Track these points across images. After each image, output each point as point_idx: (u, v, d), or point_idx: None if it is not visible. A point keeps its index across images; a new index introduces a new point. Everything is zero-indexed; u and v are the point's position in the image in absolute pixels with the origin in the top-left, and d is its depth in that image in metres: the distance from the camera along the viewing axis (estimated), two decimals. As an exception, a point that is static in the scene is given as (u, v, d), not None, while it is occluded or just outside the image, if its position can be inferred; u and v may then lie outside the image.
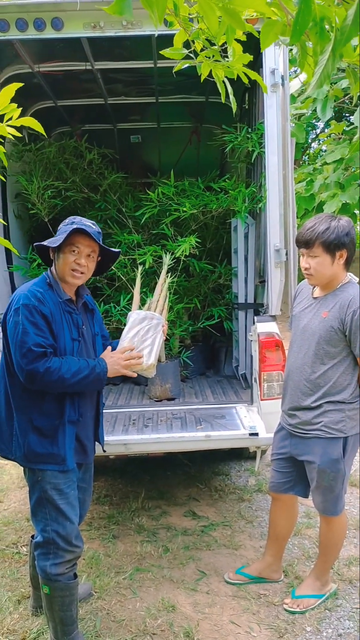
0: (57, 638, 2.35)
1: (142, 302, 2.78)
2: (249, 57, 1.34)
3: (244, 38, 1.28)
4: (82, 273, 2.30)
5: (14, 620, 2.64)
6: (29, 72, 3.96)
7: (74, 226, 2.23)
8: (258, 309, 3.73)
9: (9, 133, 1.52)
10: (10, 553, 3.25)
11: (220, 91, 1.41)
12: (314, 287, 2.61)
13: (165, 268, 2.78)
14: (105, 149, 4.86)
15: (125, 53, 3.94)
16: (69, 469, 2.28)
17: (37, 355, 2.14)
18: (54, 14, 3.18)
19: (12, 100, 1.52)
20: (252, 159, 3.84)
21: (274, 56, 3.26)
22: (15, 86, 1.45)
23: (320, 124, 11.65)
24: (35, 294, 2.21)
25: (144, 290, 3.78)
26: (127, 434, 3.22)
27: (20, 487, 4.19)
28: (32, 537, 2.49)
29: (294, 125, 6.67)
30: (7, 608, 2.74)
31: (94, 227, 2.31)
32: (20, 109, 1.52)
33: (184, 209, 3.98)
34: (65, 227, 2.28)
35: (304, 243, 2.45)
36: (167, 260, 2.84)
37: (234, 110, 1.72)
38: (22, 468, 2.42)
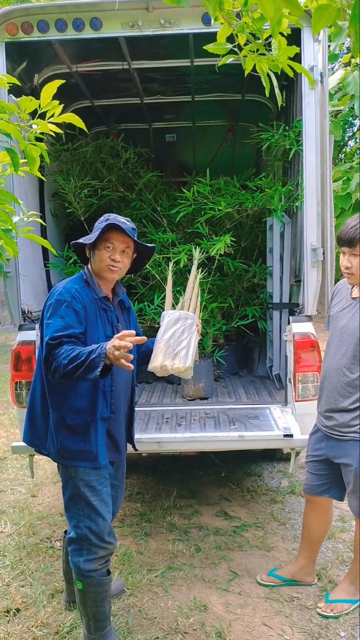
0: (90, 633, 2.37)
1: (176, 301, 2.77)
2: (295, 49, 1.31)
3: (288, 31, 1.26)
4: (117, 268, 2.32)
5: (48, 614, 2.67)
6: (67, 72, 4.01)
7: (108, 222, 2.26)
8: (293, 309, 3.69)
9: (50, 130, 1.54)
10: (44, 547, 3.29)
11: (265, 85, 1.40)
12: (353, 286, 2.56)
13: (195, 263, 2.75)
14: (140, 148, 4.88)
15: (162, 52, 3.95)
16: (101, 465, 2.29)
17: (52, 347, 2.11)
18: (92, 14, 3.21)
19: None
20: (290, 157, 3.79)
21: (313, 52, 3.22)
22: (57, 83, 1.47)
23: (358, 122, 11.46)
24: (69, 290, 2.24)
25: (178, 289, 3.78)
26: (161, 432, 3.22)
27: (54, 482, 4.24)
28: (65, 532, 2.52)
29: (330, 122, 6.58)
30: (41, 601, 2.77)
31: (128, 223, 2.32)
32: (62, 105, 1.53)
33: (219, 207, 3.96)
34: (100, 224, 2.31)
35: (346, 242, 2.40)
36: (197, 254, 2.81)
37: (280, 104, 1.70)
38: (55, 463, 2.44)
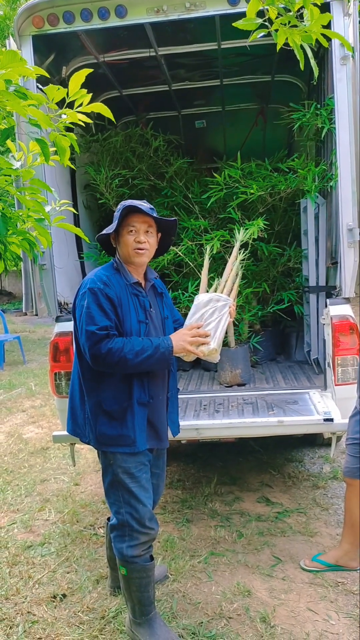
0: (135, 618, 2.40)
1: (210, 286, 2.74)
2: (328, 16, 1.27)
3: (321, 1, 1.21)
4: (144, 250, 2.32)
5: (93, 599, 2.72)
6: (94, 62, 4.00)
7: (125, 206, 2.27)
8: (330, 291, 3.62)
9: (79, 120, 1.53)
10: (88, 534, 3.35)
11: (299, 58, 1.35)
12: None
13: (237, 244, 2.70)
14: (170, 135, 4.85)
15: (189, 36, 3.91)
16: (139, 450, 2.29)
17: (100, 338, 2.16)
18: (117, 2, 3.20)
19: (79, 94, 1.53)
20: (322, 136, 3.71)
21: (344, 27, 3.12)
22: (85, 72, 1.46)
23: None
24: (101, 278, 2.26)
25: (212, 275, 3.76)
26: (199, 419, 3.22)
27: (95, 471, 4.30)
28: (108, 519, 2.55)
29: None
30: (86, 587, 2.82)
31: (145, 204, 2.33)
32: (90, 94, 1.53)
33: (251, 191, 3.91)
34: (118, 212, 2.32)
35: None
36: (241, 235, 2.74)
37: (315, 75, 1.65)
38: (96, 451, 2.47)
